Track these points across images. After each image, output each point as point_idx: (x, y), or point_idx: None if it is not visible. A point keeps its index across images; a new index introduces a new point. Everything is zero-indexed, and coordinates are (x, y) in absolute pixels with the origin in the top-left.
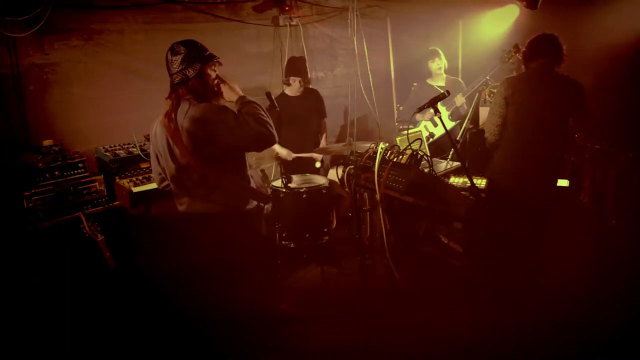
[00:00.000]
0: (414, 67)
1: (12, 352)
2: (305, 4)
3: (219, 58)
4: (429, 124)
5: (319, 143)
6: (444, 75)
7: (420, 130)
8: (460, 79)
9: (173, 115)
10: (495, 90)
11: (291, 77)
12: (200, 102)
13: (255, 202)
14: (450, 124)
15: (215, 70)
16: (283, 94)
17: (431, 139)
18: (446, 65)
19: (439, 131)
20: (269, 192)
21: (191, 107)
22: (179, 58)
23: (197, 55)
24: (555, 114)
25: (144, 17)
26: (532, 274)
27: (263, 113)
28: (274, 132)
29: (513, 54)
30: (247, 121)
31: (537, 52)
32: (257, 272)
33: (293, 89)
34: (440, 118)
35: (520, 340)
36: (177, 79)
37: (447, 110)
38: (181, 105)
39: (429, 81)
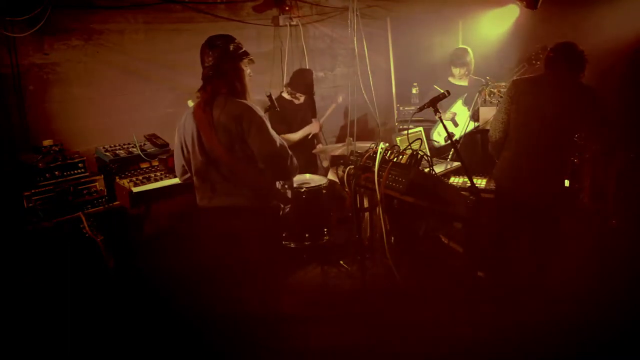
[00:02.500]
0: (414, 67)
1: (12, 352)
2: (305, 4)
3: (252, 56)
4: (450, 124)
5: (314, 145)
6: (469, 75)
7: (420, 130)
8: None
9: (208, 108)
10: (495, 91)
11: (299, 94)
12: (236, 97)
13: (275, 202)
14: (472, 125)
15: (247, 68)
16: (281, 97)
17: (449, 140)
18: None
19: (459, 132)
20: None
21: (229, 101)
22: (217, 51)
23: (235, 50)
24: (563, 118)
25: (144, 17)
26: (533, 274)
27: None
28: (293, 173)
29: (541, 55)
30: (276, 140)
31: (557, 57)
32: (261, 272)
33: (297, 100)
34: (440, 119)
35: (520, 340)
36: (212, 72)
37: (469, 110)
38: (217, 99)
39: (451, 79)
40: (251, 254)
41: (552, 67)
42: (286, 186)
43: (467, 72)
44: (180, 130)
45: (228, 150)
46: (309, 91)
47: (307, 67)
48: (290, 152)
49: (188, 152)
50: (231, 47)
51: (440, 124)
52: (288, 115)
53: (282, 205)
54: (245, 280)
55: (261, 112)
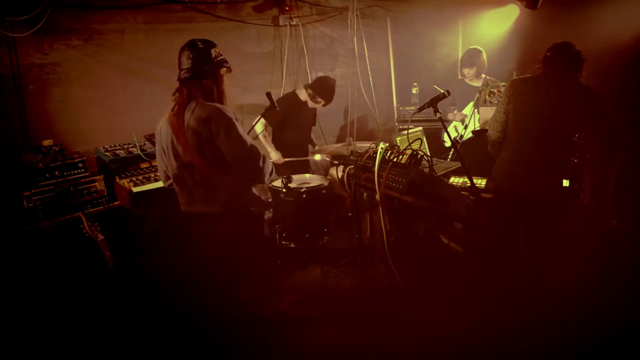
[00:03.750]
0: (414, 66)
1: (12, 352)
2: (305, 4)
3: (230, 65)
4: (459, 125)
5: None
6: (482, 76)
7: (421, 129)
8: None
9: (181, 113)
10: (495, 91)
11: (319, 98)
12: (209, 102)
13: (254, 207)
14: (472, 127)
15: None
16: (294, 94)
17: (459, 141)
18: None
19: (469, 133)
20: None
21: (198, 105)
22: (198, 54)
23: (216, 56)
24: (561, 118)
25: (144, 17)
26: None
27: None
28: (265, 174)
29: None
30: (246, 141)
31: (554, 57)
32: (257, 273)
33: (314, 104)
34: (440, 119)
35: (521, 340)
36: (191, 74)
37: (478, 112)
38: (190, 104)
39: (466, 80)
40: (238, 259)
41: (550, 67)
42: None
43: (477, 73)
44: (158, 136)
45: (199, 155)
46: (329, 98)
47: (309, 67)
48: (262, 153)
49: (166, 157)
50: (213, 53)
51: (452, 125)
52: (292, 115)
53: (263, 210)
54: (245, 281)
55: (231, 114)
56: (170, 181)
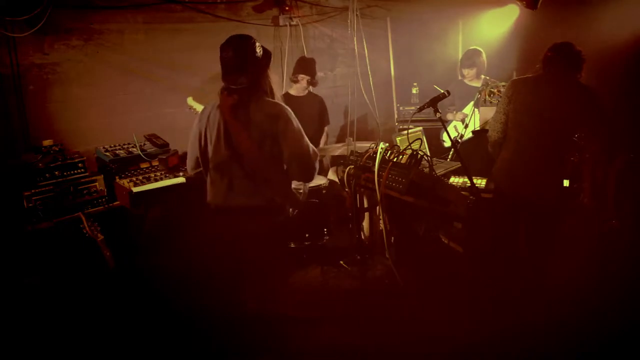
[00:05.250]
0: (414, 66)
1: (12, 352)
2: (305, 4)
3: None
4: (459, 125)
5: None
6: (482, 76)
7: (421, 129)
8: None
9: (243, 103)
10: (495, 91)
11: (300, 75)
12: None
13: (288, 206)
14: (471, 127)
15: None
16: (287, 94)
17: (459, 141)
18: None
19: (469, 133)
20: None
21: (264, 101)
22: (266, 55)
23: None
24: (561, 118)
25: (144, 17)
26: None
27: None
28: (315, 174)
29: None
30: (307, 142)
31: (554, 57)
32: (262, 273)
33: (299, 88)
34: (440, 119)
35: (521, 340)
36: (253, 70)
37: (478, 112)
38: (253, 97)
39: (466, 80)
40: (256, 256)
41: (550, 67)
42: (301, 191)
43: (477, 74)
44: (202, 121)
45: (257, 147)
46: (310, 73)
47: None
48: (318, 155)
49: (206, 144)
50: (270, 56)
51: (451, 125)
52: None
53: (291, 210)
54: (246, 281)
55: (293, 115)
56: (198, 170)
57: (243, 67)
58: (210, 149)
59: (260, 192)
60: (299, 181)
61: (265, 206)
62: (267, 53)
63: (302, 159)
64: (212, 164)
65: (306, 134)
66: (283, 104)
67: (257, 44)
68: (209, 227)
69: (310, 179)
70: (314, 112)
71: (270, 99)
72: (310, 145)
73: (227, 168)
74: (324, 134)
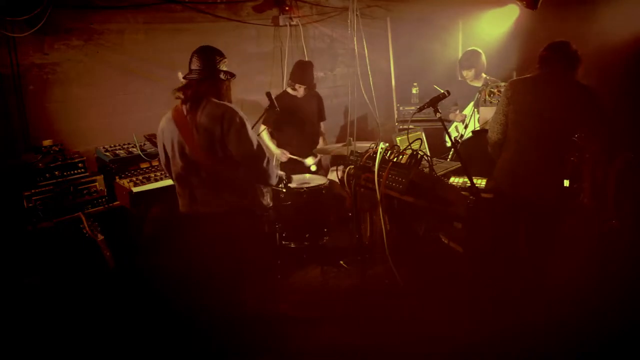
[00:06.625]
0: (414, 66)
1: (13, 352)
2: (305, 4)
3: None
4: (460, 125)
5: (317, 145)
6: (483, 76)
7: (421, 129)
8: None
9: (192, 110)
10: (495, 91)
11: (297, 84)
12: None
13: (256, 209)
14: (471, 127)
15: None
16: (285, 93)
17: (460, 141)
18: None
19: (469, 133)
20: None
21: (210, 103)
22: (221, 59)
23: (227, 73)
24: (561, 117)
25: (144, 17)
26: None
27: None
28: (269, 176)
29: None
30: (254, 142)
31: (550, 56)
32: (258, 273)
33: (297, 92)
34: (441, 119)
35: (521, 340)
36: (204, 74)
37: (478, 112)
38: (201, 102)
39: (466, 80)
40: (239, 257)
41: (547, 66)
42: (265, 190)
43: (476, 74)
44: (160, 136)
45: (209, 153)
46: (307, 82)
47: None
48: (267, 155)
49: (167, 158)
50: (225, 67)
51: (453, 125)
52: (287, 111)
53: (264, 212)
54: (245, 281)
55: (242, 113)
56: None
57: (191, 70)
58: (170, 162)
59: (222, 197)
60: (256, 183)
61: (227, 211)
62: (212, 57)
63: (249, 160)
64: (174, 176)
65: (307, 130)
66: (228, 104)
67: (204, 48)
68: (186, 234)
69: (266, 182)
70: (313, 109)
71: (216, 101)
72: (258, 144)
73: (186, 179)
74: (322, 132)
